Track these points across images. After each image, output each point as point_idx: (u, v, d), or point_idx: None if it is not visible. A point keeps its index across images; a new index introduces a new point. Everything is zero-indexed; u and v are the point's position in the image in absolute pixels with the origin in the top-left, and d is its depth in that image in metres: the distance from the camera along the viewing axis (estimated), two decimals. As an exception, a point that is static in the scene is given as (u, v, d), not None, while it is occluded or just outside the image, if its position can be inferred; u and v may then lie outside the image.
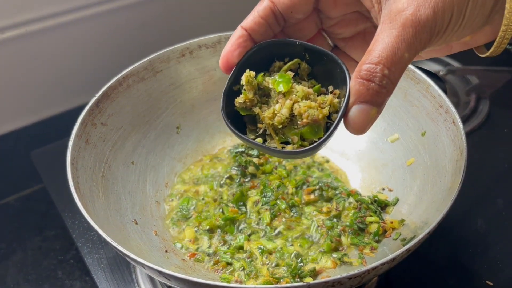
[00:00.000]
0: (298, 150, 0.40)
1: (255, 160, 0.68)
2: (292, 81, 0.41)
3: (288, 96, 0.40)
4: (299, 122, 0.40)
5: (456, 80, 0.90)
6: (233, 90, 0.43)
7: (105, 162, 0.60)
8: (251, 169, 0.67)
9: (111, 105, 0.63)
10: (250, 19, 0.41)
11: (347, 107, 0.37)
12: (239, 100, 0.42)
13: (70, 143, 0.55)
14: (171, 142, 0.70)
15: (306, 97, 0.40)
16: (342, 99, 0.39)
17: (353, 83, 0.36)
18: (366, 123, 0.36)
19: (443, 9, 0.35)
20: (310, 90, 0.41)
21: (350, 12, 0.44)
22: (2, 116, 0.86)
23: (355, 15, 0.45)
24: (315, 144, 0.39)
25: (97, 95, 0.61)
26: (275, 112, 0.41)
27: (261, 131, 0.42)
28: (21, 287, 0.65)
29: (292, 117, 0.41)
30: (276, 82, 0.41)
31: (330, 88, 0.42)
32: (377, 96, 0.35)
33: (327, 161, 0.70)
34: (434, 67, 0.92)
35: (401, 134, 0.64)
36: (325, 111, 0.39)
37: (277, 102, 0.41)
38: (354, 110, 0.36)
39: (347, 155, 0.69)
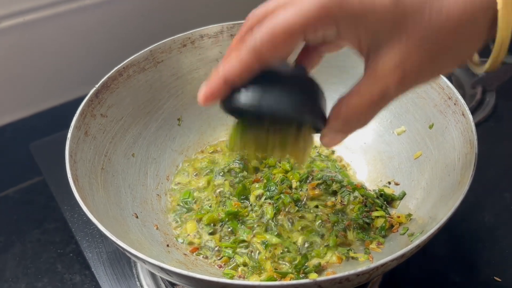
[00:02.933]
0: None
1: (258, 153, 0.67)
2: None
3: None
4: None
5: (462, 72, 0.89)
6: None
7: (104, 154, 0.59)
8: (254, 162, 0.66)
9: (111, 96, 0.61)
10: (234, 68, 0.39)
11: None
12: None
13: (69, 135, 0.54)
14: (172, 134, 0.68)
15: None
16: None
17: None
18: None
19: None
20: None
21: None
22: (1, 108, 0.85)
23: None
24: None
25: (97, 85, 0.60)
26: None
27: None
28: (20, 280, 0.65)
29: None
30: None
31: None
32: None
33: (333, 153, 0.69)
34: (440, 59, 0.90)
35: (408, 126, 0.63)
36: None
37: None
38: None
39: (353, 148, 0.68)
